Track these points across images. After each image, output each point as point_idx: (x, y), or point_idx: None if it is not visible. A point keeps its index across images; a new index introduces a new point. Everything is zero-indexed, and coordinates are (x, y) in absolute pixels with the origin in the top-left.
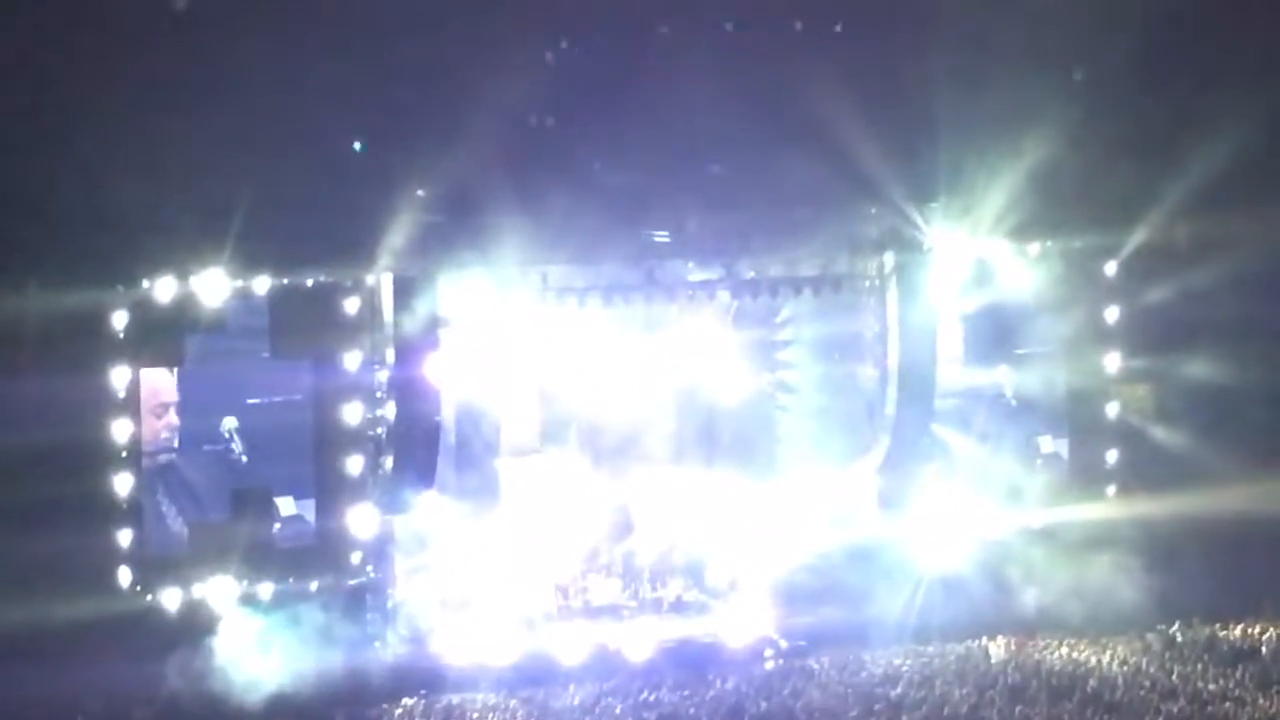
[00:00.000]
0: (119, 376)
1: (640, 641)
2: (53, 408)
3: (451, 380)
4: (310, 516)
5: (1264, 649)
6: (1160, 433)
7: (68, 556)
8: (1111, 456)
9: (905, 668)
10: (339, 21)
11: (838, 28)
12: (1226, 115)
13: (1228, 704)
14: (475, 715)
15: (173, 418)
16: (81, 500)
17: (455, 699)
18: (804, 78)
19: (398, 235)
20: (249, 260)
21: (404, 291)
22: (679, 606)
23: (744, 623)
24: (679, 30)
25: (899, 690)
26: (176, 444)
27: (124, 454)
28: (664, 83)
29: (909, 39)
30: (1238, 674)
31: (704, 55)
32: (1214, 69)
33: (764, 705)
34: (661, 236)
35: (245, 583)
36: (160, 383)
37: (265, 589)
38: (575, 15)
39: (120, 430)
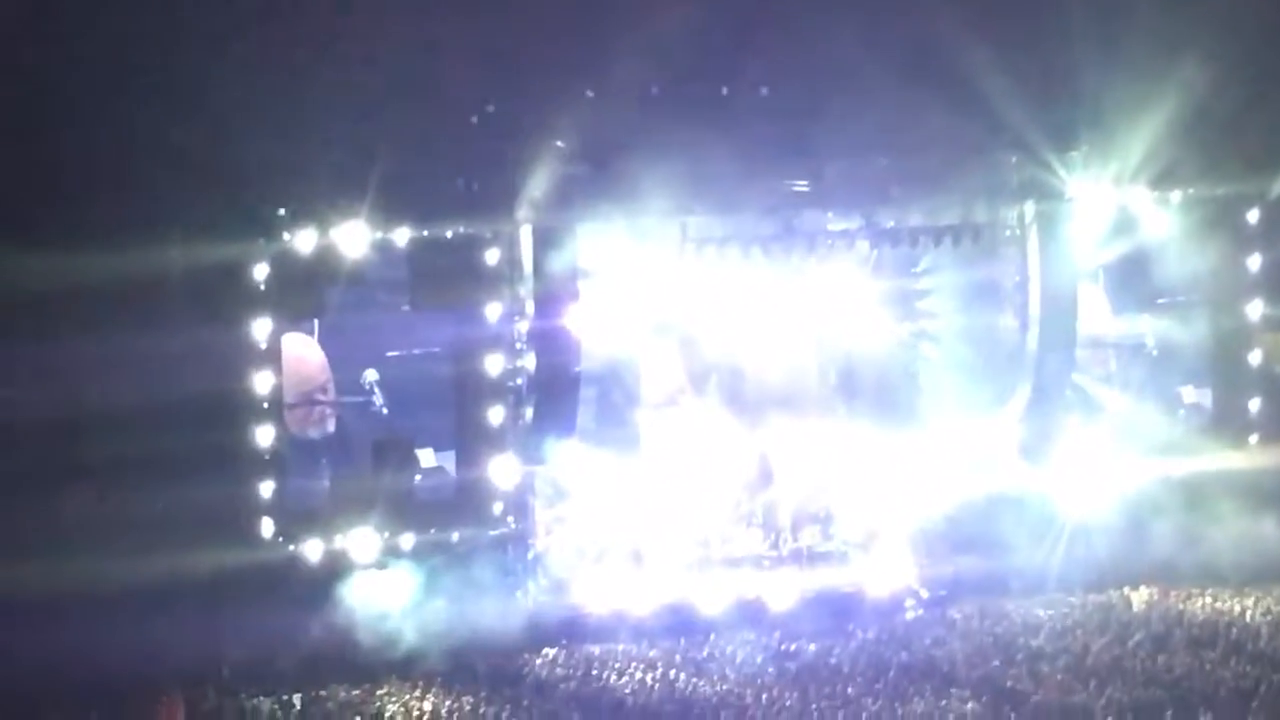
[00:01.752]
0: (260, 328)
1: (780, 592)
2: (195, 360)
3: (591, 331)
4: (451, 468)
5: None
6: None
7: (211, 507)
8: (1254, 405)
9: (1047, 617)
10: None
11: None
12: None
13: None
14: (616, 665)
15: (325, 409)
16: (224, 451)
17: (596, 649)
18: (943, 23)
19: (537, 186)
20: (389, 212)
21: (544, 243)
22: (819, 557)
23: (885, 573)
24: None
25: (1040, 640)
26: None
27: (265, 405)
28: (803, 31)
29: None
30: None
31: (843, 2)
32: None
33: (905, 655)
34: (800, 186)
35: (386, 534)
36: (314, 371)
37: (406, 540)
38: None
39: (262, 382)
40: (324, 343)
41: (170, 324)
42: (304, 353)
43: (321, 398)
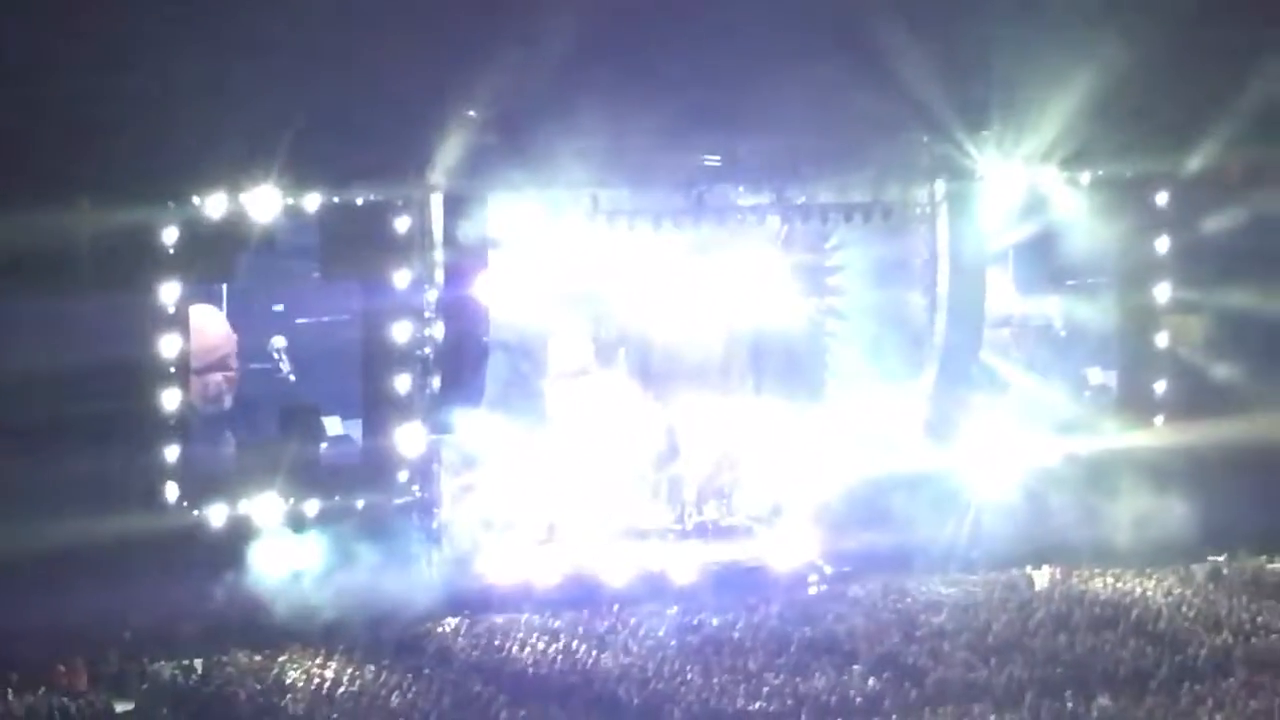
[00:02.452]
0: (169, 292)
1: (685, 565)
2: (104, 324)
3: (500, 301)
4: (358, 435)
5: None
6: (1209, 363)
7: (117, 472)
8: (1160, 387)
9: (949, 595)
10: None
11: None
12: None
13: (1273, 636)
14: (519, 635)
15: (227, 376)
16: (130, 417)
17: (499, 619)
18: (856, 4)
19: (449, 155)
20: (300, 178)
21: (454, 211)
22: (724, 531)
23: (789, 548)
24: None
25: (942, 617)
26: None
27: (172, 369)
28: (718, 7)
29: None
30: None
31: None
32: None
33: (807, 631)
34: (712, 161)
35: (291, 500)
36: (217, 342)
37: (311, 506)
38: None
39: (169, 346)
40: (232, 309)
41: (78, 289)
42: (206, 324)
43: (221, 373)
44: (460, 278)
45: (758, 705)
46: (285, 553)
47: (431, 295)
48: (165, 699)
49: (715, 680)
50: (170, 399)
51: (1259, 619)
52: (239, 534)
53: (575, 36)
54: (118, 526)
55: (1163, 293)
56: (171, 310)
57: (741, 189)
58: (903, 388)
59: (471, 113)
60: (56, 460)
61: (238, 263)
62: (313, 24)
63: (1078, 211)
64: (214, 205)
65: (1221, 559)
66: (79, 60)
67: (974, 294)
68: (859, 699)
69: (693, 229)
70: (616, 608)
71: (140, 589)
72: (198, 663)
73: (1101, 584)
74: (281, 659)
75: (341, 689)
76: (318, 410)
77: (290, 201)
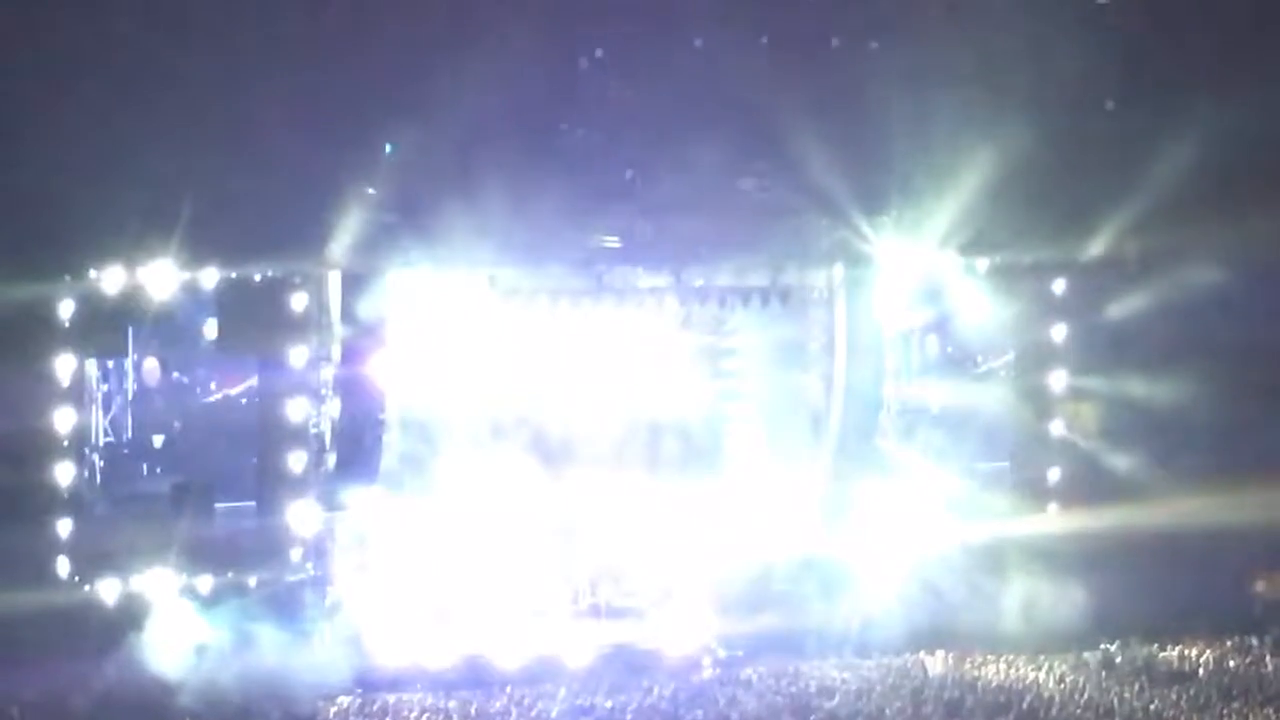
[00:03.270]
0: (64, 366)
1: (578, 646)
2: None
3: (397, 378)
4: (252, 513)
5: (1200, 670)
6: (1103, 451)
7: (10, 546)
8: (1054, 474)
9: (842, 680)
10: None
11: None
12: (1174, 136)
13: None
14: (410, 715)
15: None
16: (24, 489)
17: (391, 698)
18: (755, 90)
19: (347, 232)
20: (197, 253)
21: (352, 288)
22: (618, 612)
23: (683, 630)
24: (632, 41)
25: (835, 702)
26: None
27: (66, 444)
28: (618, 91)
29: (861, 53)
30: (1174, 695)
31: (657, 66)
32: (1163, 89)
33: (700, 714)
34: (611, 242)
35: (184, 575)
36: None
37: (204, 582)
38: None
39: (63, 420)
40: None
41: None
42: None
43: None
44: (357, 355)
45: None
46: (177, 629)
47: (328, 372)
48: None
49: None
50: (64, 473)
51: (1151, 707)
52: (131, 609)
53: (475, 115)
54: (8, 601)
55: (1058, 380)
56: (66, 384)
57: (640, 270)
58: (799, 470)
59: (370, 190)
60: None
61: (133, 338)
62: (211, 100)
63: (975, 297)
64: (111, 280)
65: (1114, 646)
66: None
67: (871, 378)
68: None
69: (591, 309)
70: (509, 688)
71: (30, 665)
72: None
73: (994, 670)
74: None
75: None
76: (211, 485)
77: (187, 276)
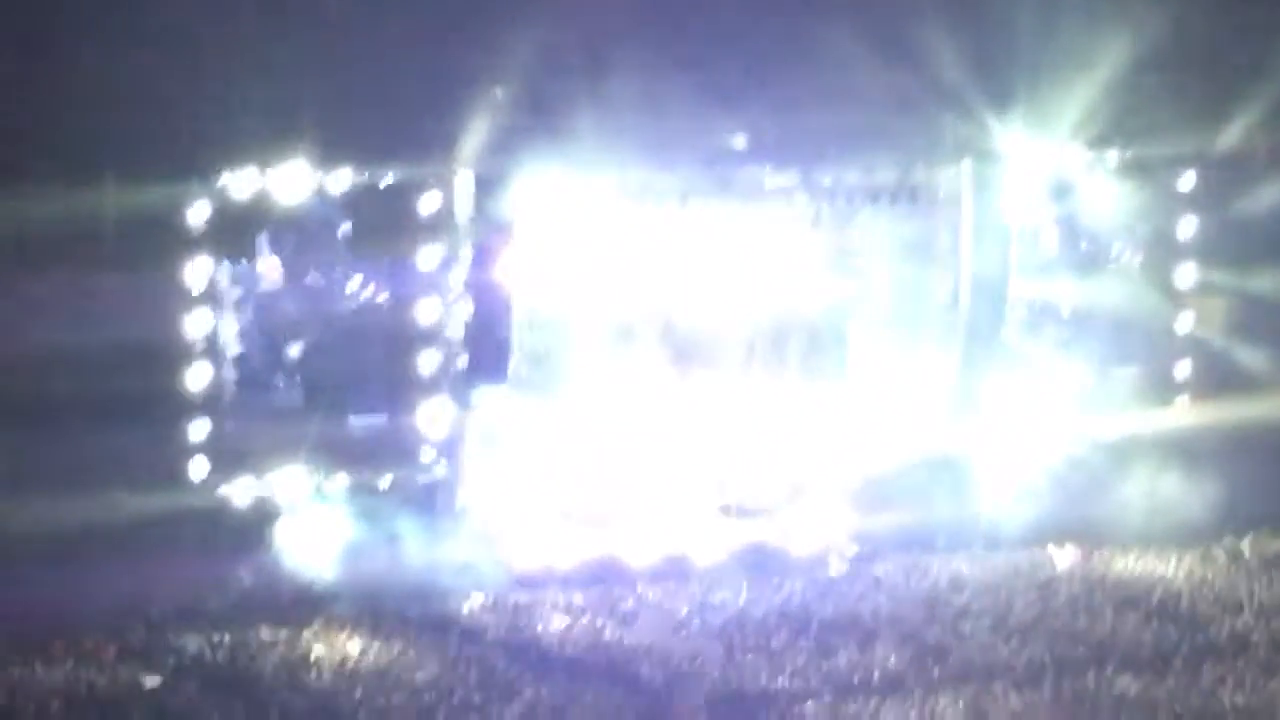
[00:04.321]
0: (195, 270)
1: (707, 544)
2: (130, 302)
3: (526, 280)
4: (384, 412)
5: None
6: (1233, 345)
7: (141, 450)
8: (1184, 369)
9: (971, 574)
10: None
11: None
12: None
13: None
14: (541, 613)
15: None
16: (157, 393)
17: (522, 597)
18: None
19: (475, 133)
20: (326, 155)
21: (480, 190)
22: (746, 510)
23: (811, 528)
24: None
25: (964, 596)
26: None
27: (198, 347)
28: None
29: None
30: None
31: None
32: None
33: (830, 610)
34: (738, 140)
35: (316, 476)
36: None
37: (336, 482)
38: None
39: (194, 325)
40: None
41: (102, 267)
42: None
43: None
44: (486, 257)
45: (780, 683)
46: (310, 528)
47: (457, 274)
48: (192, 673)
49: (738, 659)
50: (197, 377)
51: None
52: (263, 511)
53: (601, 16)
54: (143, 503)
55: (1187, 274)
56: (197, 289)
57: (768, 169)
58: (926, 368)
59: (498, 90)
60: (82, 439)
61: (267, 242)
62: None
63: (1103, 192)
64: (241, 182)
65: (1243, 540)
66: (102, 36)
67: (998, 274)
68: (881, 677)
69: (719, 208)
70: (639, 587)
71: (166, 565)
72: (224, 637)
73: (1123, 565)
74: (307, 633)
75: (367, 663)
76: (345, 386)
77: (318, 179)
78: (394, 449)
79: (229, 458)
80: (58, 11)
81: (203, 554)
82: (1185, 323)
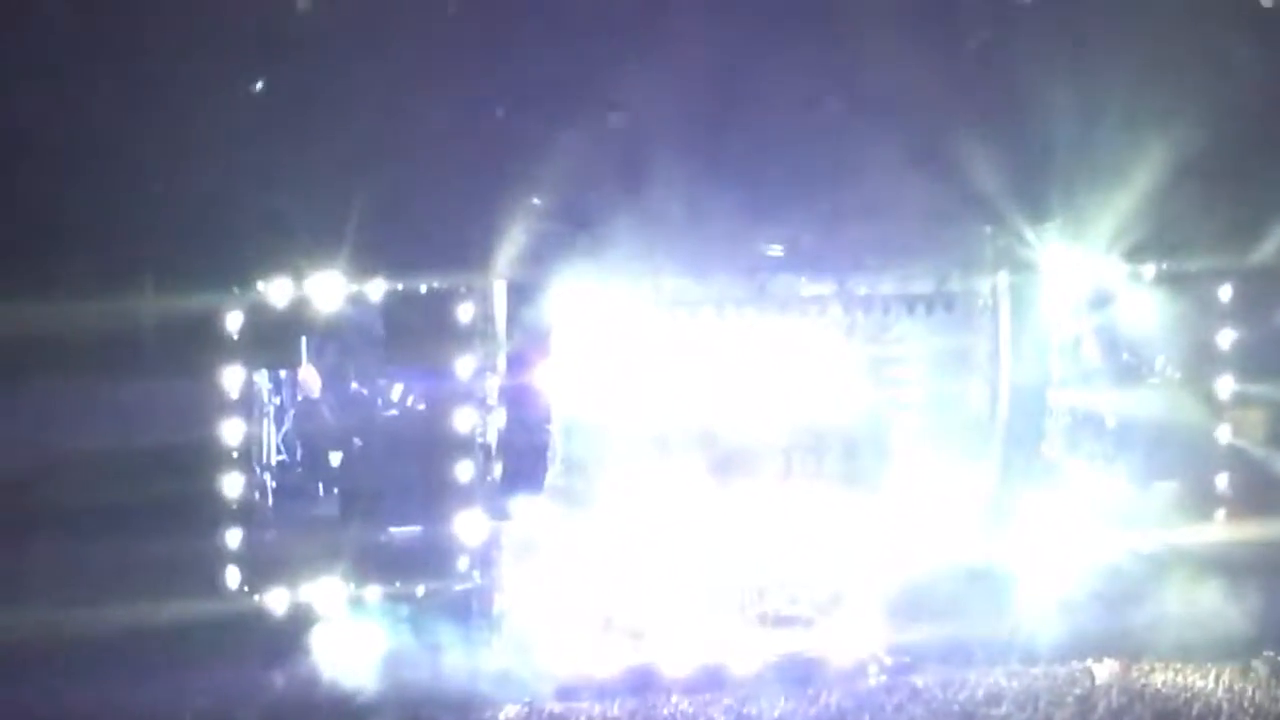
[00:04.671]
0: (232, 377)
1: (744, 654)
2: (168, 408)
3: (563, 388)
4: (420, 521)
5: None
6: (1272, 458)
7: (179, 557)
8: (1223, 481)
9: (1009, 688)
10: (459, 30)
11: (953, 44)
12: None
13: None
14: None
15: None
16: (193, 500)
17: (558, 706)
18: (921, 92)
19: (513, 242)
20: (364, 265)
21: (517, 299)
22: (784, 620)
23: (849, 638)
24: (798, 50)
25: (1003, 710)
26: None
27: (235, 454)
28: (782, 101)
29: (1027, 55)
30: None
31: (821, 72)
32: None
33: None
34: (775, 250)
35: (352, 585)
36: None
37: (371, 592)
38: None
39: (232, 431)
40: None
41: (142, 372)
42: None
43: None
44: (522, 366)
45: None
46: (346, 638)
47: (494, 382)
48: None
49: None
50: (232, 485)
51: None
52: (300, 619)
53: (641, 125)
54: (179, 611)
55: (1226, 386)
56: (235, 395)
57: (804, 279)
58: (964, 478)
59: (536, 200)
60: (119, 544)
61: (306, 350)
62: (378, 110)
63: (1141, 304)
64: (278, 291)
65: None
66: (147, 144)
67: (1036, 386)
68: None
69: (756, 317)
70: (675, 698)
71: (202, 673)
72: None
73: (1162, 679)
74: None
75: None
76: (380, 494)
77: (355, 288)
78: (430, 558)
79: (265, 566)
80: (99, 119)
81: (238, 662)
82: (1225, 435)
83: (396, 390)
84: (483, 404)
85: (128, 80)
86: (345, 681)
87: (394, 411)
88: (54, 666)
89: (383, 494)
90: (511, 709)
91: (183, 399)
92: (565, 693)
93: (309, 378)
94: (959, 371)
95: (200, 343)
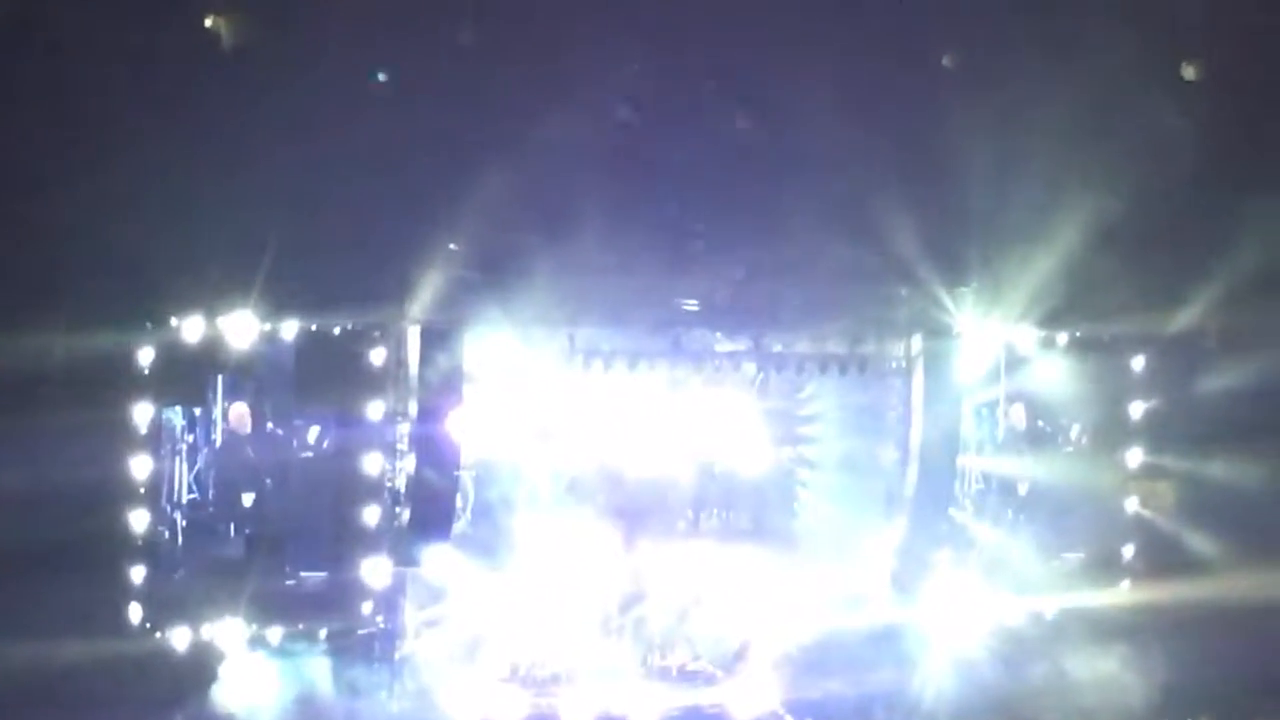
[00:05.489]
0: (143, 414)
1: (647, 709)
2: (75, 445)
3: (472, 435)
4: (326, 563)
5: None
6: (1178, 529)
7: (83, 594)
8: (1128, 551)
9: None
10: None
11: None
12: (1259, 214)
13: None
14: None
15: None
16: (100, 538)
17: None
18: (840, 152)
19: (428, 287)
20: (278, 304)
21: (431, 344)
22: (687, 675)
23: (752, 694)
24: (713, 107)
25: None
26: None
27: (144, 492)
28: (702, 153)
29: (946, 118)
30: None
31: (741, 129)
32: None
33: None
34: (690, 305)
35: (254, 625)
36: None
37: (274, 633)
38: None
39: (140, 468)
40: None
41: (50, 408)
42: None
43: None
44: (434, 411)
45: None
46: (248, 679)
47: (404, 427)
48: None
49: None
50: (140, 522)
51: None
52: (202, 659)
53: (560, 174)
54: (81, 650)
55: (1134, 457)
56: (143, 432)
57: (719, 334)
58: (871, 539)
59: (452, 245)
60: (23, 581)
61: (220, 389)
62: (294, 149)
63: (1054, 372)
64: (191, 328)
65: None
66: (60, 180)
67: (947, 450)
68: None
69: (668, 371)
70: None
71: (103, 712)
72: None
73: None
74: None
75: None
76: (284, 536)
77: (268, 328)
78: (335, 601)
79: (170, 605)
80: (10, 154)
81: (140, 702)
82: (1131, 505)
83: (312, 432)
84: (392, 449)
85: (42, 116)
86: None
87: (309, 453)
88: None
89: (292, 535)
90: None
91: (93, 435)
92: None
93: (240, 416)
94: (870, 432)
95: (112, 379)
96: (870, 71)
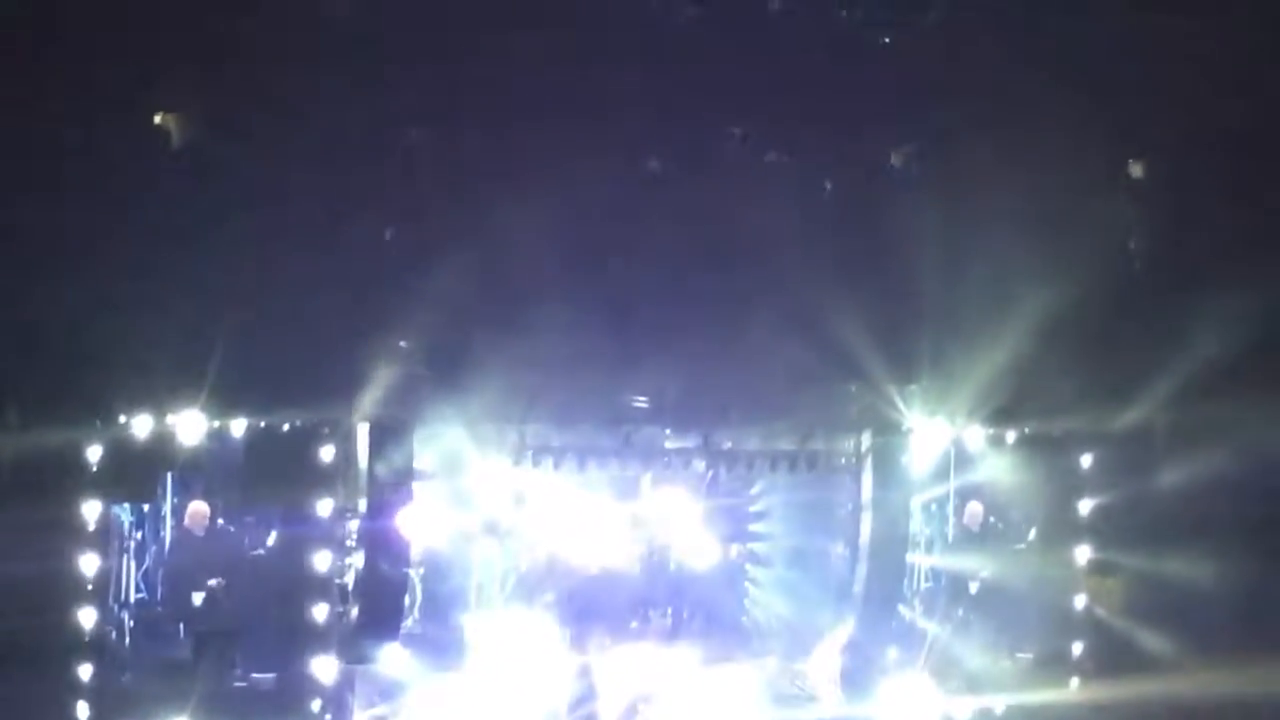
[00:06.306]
0: (90, 511)
1: None
2: (23, 541)
3: (422, 532)
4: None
5: None
6: (1127, 626)
7: (32, 690)
8: (1078, 648)
9: None
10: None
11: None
12: (1208, 312)
13: None
14: None
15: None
16: (46, 636)
17: None
18: (789, 252)
19: (376, 384)
20: (227, 401)
21: (380, 441)
22: None
23: None
24: (666, 201)
25: None
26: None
27: (90, 588)
28: (650, 253)
29: (894, 219)
30: None
31: (690, 226)
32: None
33: None
34: (640, 402)
35: None
36: None
37: None
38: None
39: (87, 566)
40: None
41: None
42: None
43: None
44: (383, 508)
45: None
46: None
47: (353, 525)
48: None
49: None
50: (87, 620)
51: None
52: None
53: (509, 274)
54: None
55: (1083, 554)
56: (91, 528)
57: (668, 431)
58: (821, 636)
59: (402, 343)
60: None
61: (170, 486)
62: (242, 247)
63: (1003, 469)
64: (140, 425)
65: None
66: (5, 277)
67: (896, 547)
68: None
69: (618, 469)
70: None
71: None
72: None
73: None
74: None
75: None
76: (233, 634)
77: (217, 425)
78: (283, 700)
79: (117, 704)
80: None
81: None
82: (1080, 602)
83: (261, 530)
84: (342, 545)
85: None
86: None
87: (259, 551)
88: None
89: (241, 634)
90: None
91: (41, 532)
92: None
93: (197, 515)
94: (820, 529)
95: (60, 475)
96: (820, 171)
